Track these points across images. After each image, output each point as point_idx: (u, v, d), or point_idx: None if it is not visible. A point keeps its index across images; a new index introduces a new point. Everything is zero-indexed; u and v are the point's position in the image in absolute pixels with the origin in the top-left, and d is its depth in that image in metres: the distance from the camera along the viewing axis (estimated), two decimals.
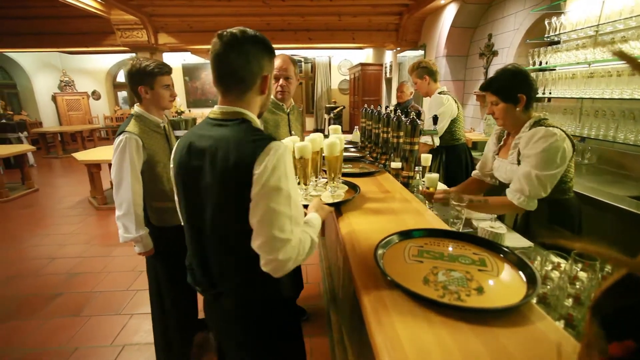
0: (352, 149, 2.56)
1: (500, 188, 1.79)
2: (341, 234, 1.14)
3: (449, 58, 4.99)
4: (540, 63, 2.97)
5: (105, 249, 3.40)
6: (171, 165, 1.06)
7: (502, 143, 1.72)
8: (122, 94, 11.53)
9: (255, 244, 0.88)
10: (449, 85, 4.94)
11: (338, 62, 10.83)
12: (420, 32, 6.05)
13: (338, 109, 9.14)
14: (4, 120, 7.03)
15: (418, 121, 1.67)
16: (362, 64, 8.48)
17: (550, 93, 2.86)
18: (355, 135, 2.99)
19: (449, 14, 4.78)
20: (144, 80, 1.54)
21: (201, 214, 0.95)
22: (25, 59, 9.33)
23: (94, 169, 4.56)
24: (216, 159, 0.88)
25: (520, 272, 0.84)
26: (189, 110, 10.54)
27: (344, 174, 1.80)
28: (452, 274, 0.83)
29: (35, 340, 2.16)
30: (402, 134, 1.75)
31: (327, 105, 10.00)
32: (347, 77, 10.59)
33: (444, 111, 2.57)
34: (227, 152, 0.87)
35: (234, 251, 0.95)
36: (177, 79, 10.43)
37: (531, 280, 0.79)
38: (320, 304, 2.47)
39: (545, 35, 2.92)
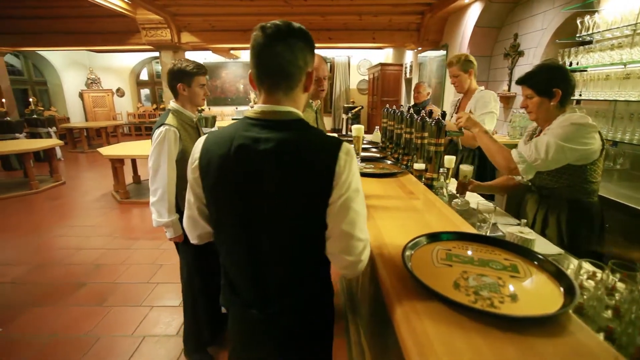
0: (373, 149, 2.54)
1: (528, 187, 1.74)
2: None
3: None
4: (571, 64, 2.85)
5: (127, 242, 3.50)
6: (192, 176, 0.92)
7: None
8: (145, 92, 11.85)
9: (336, 248, 0.83)
10: None
11: (357, 62, 10.77)
12: (443, 32, 5.93)
13: (356, 109, 9.06)
14: (35, 116, 7.35)
15: (443, 122, 1.64)
16: (381, 64, 8.39)
17: (580, 95, 2.74)
18: (376, 136, 2.96)
19: (473, 13, 4.66)
20: (183, 79, 1.67)
21: (258, 225, 0.85)
22: (55, 57, 9.72)
23: (117, 164, 4.70)
24: (286, 163, 0.80)
25: (555, 280, 0.80)
26: (209, 108, 10.73)
27: (366, 174, 1.80)
28: (484, 279, 0.80)
29: (60, 327, 2.24)
30: (426, 134, 1.72)
31: (346, 105, 9.95)
32: (366, 77, 10.51)
33: (493, 111, 2.37)
34: (300, 155, 0.80)
35: (300, 261, 0.89)
36: None
37: (568, 289, 0.76)
38: (338, 302, 2.46)
39: (577, 35, 2.80)
